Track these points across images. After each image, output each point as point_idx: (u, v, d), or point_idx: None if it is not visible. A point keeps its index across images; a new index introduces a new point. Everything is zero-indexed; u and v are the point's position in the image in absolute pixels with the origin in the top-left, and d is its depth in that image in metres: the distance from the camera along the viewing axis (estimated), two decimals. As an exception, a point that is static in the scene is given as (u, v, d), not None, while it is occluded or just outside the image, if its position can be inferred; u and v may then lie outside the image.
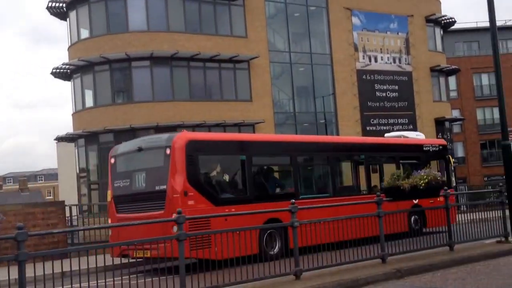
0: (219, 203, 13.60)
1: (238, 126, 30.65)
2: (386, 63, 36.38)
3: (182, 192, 13.11)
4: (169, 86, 29.60)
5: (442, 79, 40.10)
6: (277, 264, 10.19)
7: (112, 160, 15.07)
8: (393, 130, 35.06)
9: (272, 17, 33.44)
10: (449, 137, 38.52)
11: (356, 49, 35.21)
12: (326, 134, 34.25)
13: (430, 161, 19.73)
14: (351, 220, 11.49)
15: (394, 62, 36.76)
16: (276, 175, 16.51)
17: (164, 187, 13.31)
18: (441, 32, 40.71)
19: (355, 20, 35.44)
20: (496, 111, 41.98)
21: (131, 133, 29.11)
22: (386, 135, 23.21)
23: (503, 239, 14.49)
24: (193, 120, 29.19)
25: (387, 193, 12.77)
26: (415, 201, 15.29)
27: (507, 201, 14.95)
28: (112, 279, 8.25)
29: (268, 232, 13.78)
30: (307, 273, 10.44)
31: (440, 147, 20.69)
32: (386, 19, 36.58)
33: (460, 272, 11.00)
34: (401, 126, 35.96)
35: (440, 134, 37.90)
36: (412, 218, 16.06)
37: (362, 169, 18.12)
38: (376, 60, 35.95)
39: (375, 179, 18.14)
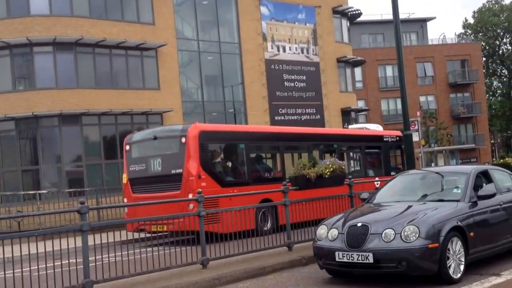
0: (225, 185, 15.66)
1: (146, 115, 30.11)
2: (294, 53, 36.84)
3: (196, 175, 15.23)
4: (74, 72, 28.55)
5: (348, 70, 41.10)
6: (184, 253, 10.10)
7: (127, 147, 17.07)
8: (301, 120, 35.80)
9: (180, 5, 32.95)
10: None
11: (264, 39, 35.40)
12: (235, 123, 34.35)
13: (389, 150, 22.97)
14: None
15: (302, 52, 37.28)
16: (268, 161, 18.90)
17: (180, 170, 15.30)
18: (348, 23, 41.67)
19: (263, 9, 35.62)
20: (399, 102, 43.59)
21: (34, 120, 27.99)
22: (350, 127, 26.08)
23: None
24: (99, 108, 28.37)
25: (293, 181, 12.92)
26: (377, 184, 17.42)
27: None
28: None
29: (262, 210, 15.69)
30: (215, 262, 10.43)
31: (397, 138, 23.15)
32: (294, 9, 37.01)
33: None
34: (308, 116, 36.61)
35: (346, 124, 38.88)
36: None
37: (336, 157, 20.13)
38: (284, 50, 36.33)
39: (352, 165, 21.79)
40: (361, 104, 48.43)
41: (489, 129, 61.65)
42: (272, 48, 35.72)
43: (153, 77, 30.72)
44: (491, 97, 74.36)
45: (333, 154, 20.05)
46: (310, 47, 37.67)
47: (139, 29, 30.22)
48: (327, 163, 12.68)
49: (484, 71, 65.55)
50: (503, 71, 76.20)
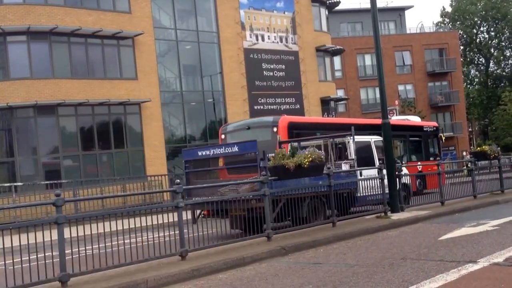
0: None
1: (124, 105, 29.78)
2: (273, 42, 36.69)
3: None
4: (49, 62, 28.09)
5: (327, 59, 41.07)
6: (162, 245, 10.00)
7: (223, 136, 20.49)
8: (280, 110, 35.72)
9: (157, -7, 32.59)
10: (334, 116, 39.63)
11: (243, 28, 35.20)
12: (214, 113, 34.18)
13: (428, 138, 26.75)
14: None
15: (281, 41, 37.15)
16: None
17: (273, 154, 16.74)
18: (326, 12, 41.61)
19: (241, -2, 35.37)
20: (378, 91, 43.76)
21: (8, 111, 27.52)
22: (393, 118, 29.57)
23: (382, 214, 15.11)
24: (75, 98, 27.98)
25: (272, 171, 12.83)
26: (419, 168, 20.93)
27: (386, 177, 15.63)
28: None
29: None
30: (193, 253, 10.33)
31: (434, 128, 27.78)
32: (272, -2, 36.84)
33: (342, 248, 11.30)
34: (288, 106, 36.55)
35: (325, 113, 38.93)
36: (417, 182, 21.33)
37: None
38: (263, 39, 36.17)
39: (400, 151, 25.60)
40: (340, 93, 48.42)
41: (467, 118, 62.20)
42: (250, 37, 35.53)
43: (130, 66, 30.38)
44: (468, 86, 75.01)
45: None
46: (289, 36, 37.54)
47: (115, 18, 29.82)
48: (306, 153, 12.59)
49: (461, 59, 65.98)
50: (480, 60, 76.84)
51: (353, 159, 16.23)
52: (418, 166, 23.06)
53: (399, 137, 25.40)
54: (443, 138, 28.20)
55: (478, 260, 8.80)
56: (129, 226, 10.08)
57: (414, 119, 29.45)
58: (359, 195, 14.73)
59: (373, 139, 18.19)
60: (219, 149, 14.89)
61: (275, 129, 19.16)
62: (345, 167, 16.15)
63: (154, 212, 10.72)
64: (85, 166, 28.48)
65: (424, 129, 27.37)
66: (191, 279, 9.06)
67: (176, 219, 10.37)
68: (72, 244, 8.96)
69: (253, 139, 17.73)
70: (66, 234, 8.80)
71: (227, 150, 14.61)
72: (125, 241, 9.59)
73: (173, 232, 10.52)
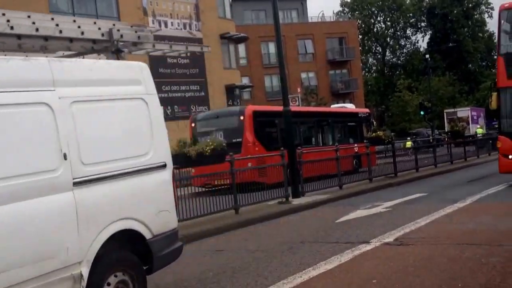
0: (268, 149, 20.53)
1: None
2: (176, 29, 36.27)
3: (252, 142, 21.24)
4: None
5: (231, 47, 41.14)
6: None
7: (193, 124, 22.66)
8: (185, 97, 35.54)
9: (54, -25, 31.34)
10: (239, 104, 39.83)
11: (145, 14, 34.56)
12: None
13: (362, 123, 29.38)
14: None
15: (185, 28, 36.81)
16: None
17: (240, 139, 20.99)
18: (230, -1, 41.67)
19: (143, -17, 34.71)
20: (280, 78, 44.25)
21: None
22: (332, 106, 34.13)
23: (284, 199, 15.48)
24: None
25: (174, 160, 12.80)
26: (356, 150, 23.51)
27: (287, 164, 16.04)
28: None
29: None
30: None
31: (367, 114, 30.72)
32: (175, -16, 36.40)
33: (244, 234, 11.51)
34: (193, 93, 36.38)
35: (230, 100, 39.08)
36: (354, 161, 24.17)
37: (330, 128, 27.76)
38: (166, 26, 35.68)
39: (340, 135, 28.68)
40: (245, 80, 48.65)
41: (365, 104, 64.54)
42: (153, 23, 34.94)
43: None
44: (367, 74, 77.84)
45: (329, 125, 27.56)
46: (193, 23, 37.28)
47: (4, 1, 28.32)
48: (208, 141, 12.68)
49: (360, 48, 68.21)
50: (378, 48, 79.89)
51: None
52: (354, 148, 24.87)
53: (340, 123, 28.63)
54: (375, 123, 31.29)
55: (370, 241, 9.26)
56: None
57: (351, 106, 33.51)
58: None
59: None
60: None
61: (241, 118, 21.49)
62: None
63: None
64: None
65: (359, 115, 30.02)
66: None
67: None
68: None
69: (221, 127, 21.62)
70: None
71: None
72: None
73: None
